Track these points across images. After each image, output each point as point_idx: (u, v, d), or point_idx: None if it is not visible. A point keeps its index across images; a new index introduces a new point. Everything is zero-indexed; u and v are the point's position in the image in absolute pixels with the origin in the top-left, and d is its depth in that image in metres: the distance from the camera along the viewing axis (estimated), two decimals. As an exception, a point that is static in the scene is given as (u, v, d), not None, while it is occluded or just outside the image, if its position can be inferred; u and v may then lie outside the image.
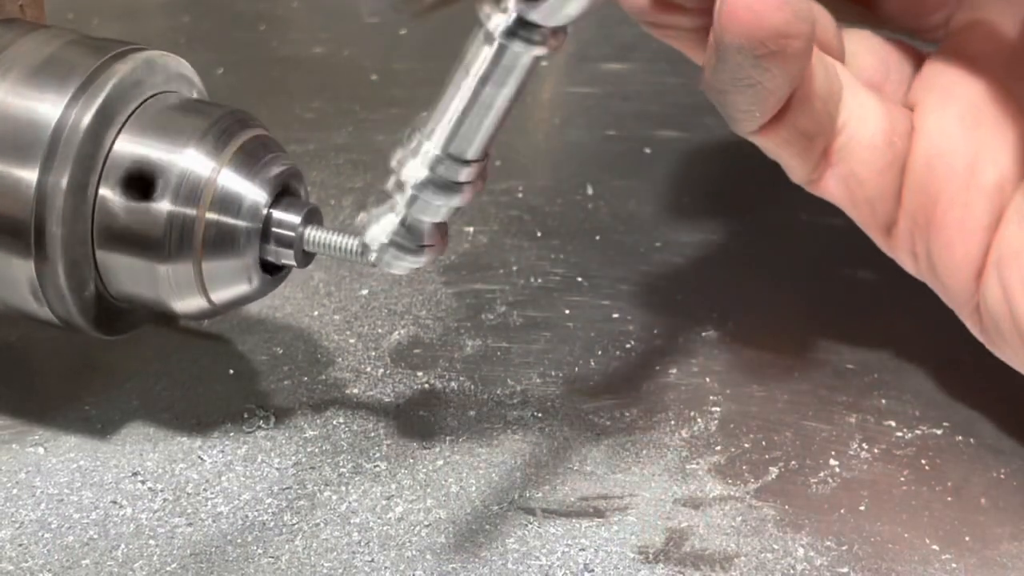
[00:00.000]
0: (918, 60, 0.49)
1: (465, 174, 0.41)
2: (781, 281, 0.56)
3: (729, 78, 0.44)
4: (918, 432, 0.49)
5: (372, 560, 0.43)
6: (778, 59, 0.43)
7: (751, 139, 0.47)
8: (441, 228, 0.43)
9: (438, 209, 0.42)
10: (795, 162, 0.47)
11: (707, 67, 0.45)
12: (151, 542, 0.44)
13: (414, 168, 0.41)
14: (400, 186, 0.41)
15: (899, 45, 0.50)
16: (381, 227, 0.42)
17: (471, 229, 0.59)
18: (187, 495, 0.45)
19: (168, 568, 0.43)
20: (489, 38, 0.39)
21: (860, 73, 0.48)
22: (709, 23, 0.44)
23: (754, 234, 0.59)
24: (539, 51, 0.39)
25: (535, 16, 0.38)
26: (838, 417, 0.50)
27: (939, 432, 0.49)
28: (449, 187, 0.41)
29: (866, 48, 0.49)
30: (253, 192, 0.44)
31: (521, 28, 0.38)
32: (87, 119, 0.43)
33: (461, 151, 0.41)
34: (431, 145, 0.41)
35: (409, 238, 0.42)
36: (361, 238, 0.43)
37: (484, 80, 0.40)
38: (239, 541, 0.44)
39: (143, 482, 0.46)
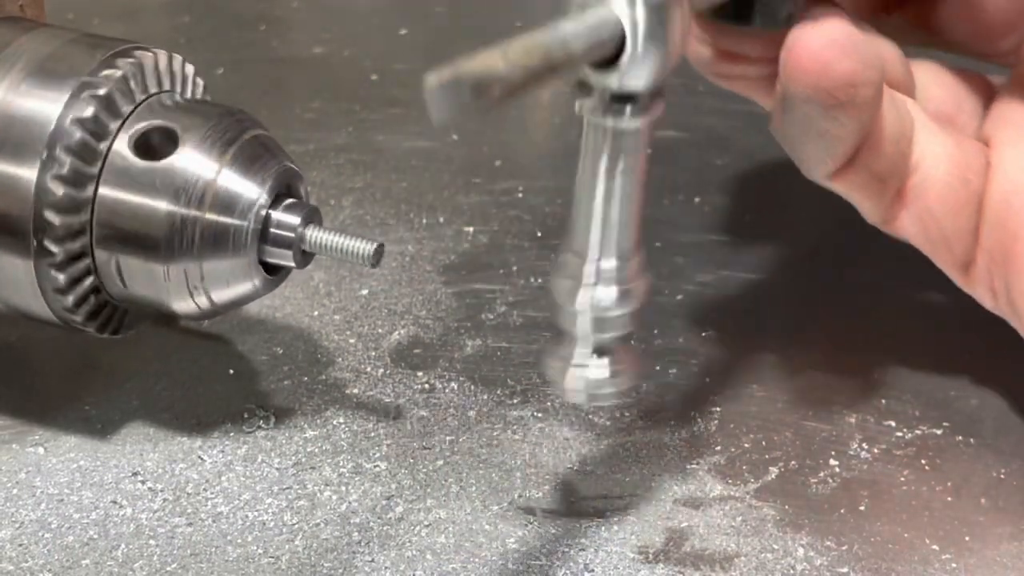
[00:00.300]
0: (990, 91, 0.48)
1: (632, 271, 0.40)
2: (781, 281, 0.56)
3: (798, 128, 0.43)
4: (918, 432, 0.49)
5: (372, 560, 0.43)
6: (847, 109, 0.42)
7: (823, 184, 0.46)
8: (628, 347, 0.41)
9: (621, 320, 0.40)
10: (869, 204, 0.46)
11: (775, 115, 0.44)
12: (151, 542, 0.44)
13: (584, 291, 0.39)
14: (572, 316, 0.40)
15: (969, 76, 0.49)
16: (576, 366, 0.40)
17: (471, 229, 0.59)
18: (187, 495, 0.45)
19: (168, 568, 0.43)
20: (594, 127, 0.38)
21: (931, 106, 0.47)
22: (775, 71, 0.43)
23: (754, 234, 0.59)
24: (641, 120, 0.38)
25: (619, 83, 0.37)
26: (838, 417, 0.50)
27: (939, 432, 0.49)
28: (623, 292, 0.39)
29: (935, 80, 0.48)
30: (253, 192, 0.44)
31: (617, 103, 0.38)
32: (87, 118, 0.43)
33: (619, 250, 0.39)
34: (590, 260, 0.39)
35: (604, 364, 0.40)
36: (563, 389, 0.41)
37: (610, 172, 0.38)
38: (239, 541, 0.44)
39: (143, 482, 0.46)
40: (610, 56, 0.37)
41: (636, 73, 0.37)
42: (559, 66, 0.35)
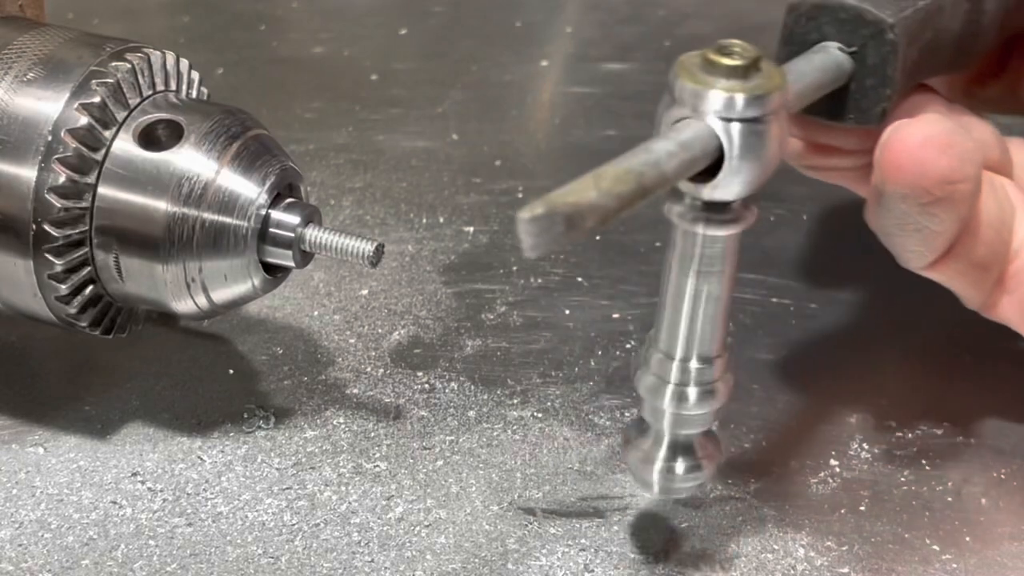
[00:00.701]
0: None
1: (716, 371, 0.40)
2: (780, 281, 0.56)
3: (894, 222, 0.42)
4: (918, 432, 0.49)
5: (372, 560, 0.43)
6: (945, 204, 0.41)
7: (919, 273, 0.45)
8: (710, 436, 0.42)
9: (703, 418, 0.41)
10: (969, 292, 0.45)
11: (869, 207, 0.43)
12: (151, 542, 0.44)
13: (668, 389, 0.40)
14: (656, 412, 0.41)
15: None
16: (657, 460, 0.41)
17: (471, 229, 0.59)
18: (187, 495, 0.45)
19: (168, 568, 0.43)
20: (686, 234, 0.38)
21: None
22: (870, 161, 0.42)
23: (753, 233, 0.59)
24: (735, 228, 0.38)
25: (712, 194, 0.37)
26: (838, 417, 0.50)
27: (939, 432, 0.49)
28: (706, 392, 0.40)
29: None
30: (253, 192, 0.44)
31: (708, 212, 0.38)
32: (86, 118, 0.43)
33: (705, 351, 0.40)
34: (676, 359, 0.40)
35: (685, 458, 0.41)
36: (642, 480, 0.42)
37: (700, 275, 0.39)
38: (239, 541, 0.44)
39: (143, 482, 0.46)
40: (704, 169, 0.36)
41: (731, 185, 0.37)
42: (653, 188, 0.35)
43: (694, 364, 0.40)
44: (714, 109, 0.36)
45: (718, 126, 0.36)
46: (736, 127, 0.36)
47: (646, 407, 0.41)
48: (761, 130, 0.36)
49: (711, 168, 0.37)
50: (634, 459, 0.42)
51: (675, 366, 0.40)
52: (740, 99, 0.36)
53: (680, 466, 0.41)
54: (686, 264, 0.39)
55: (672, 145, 0.36)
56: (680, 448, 0.41)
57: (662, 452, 0.41)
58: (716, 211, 0.38)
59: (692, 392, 0.40)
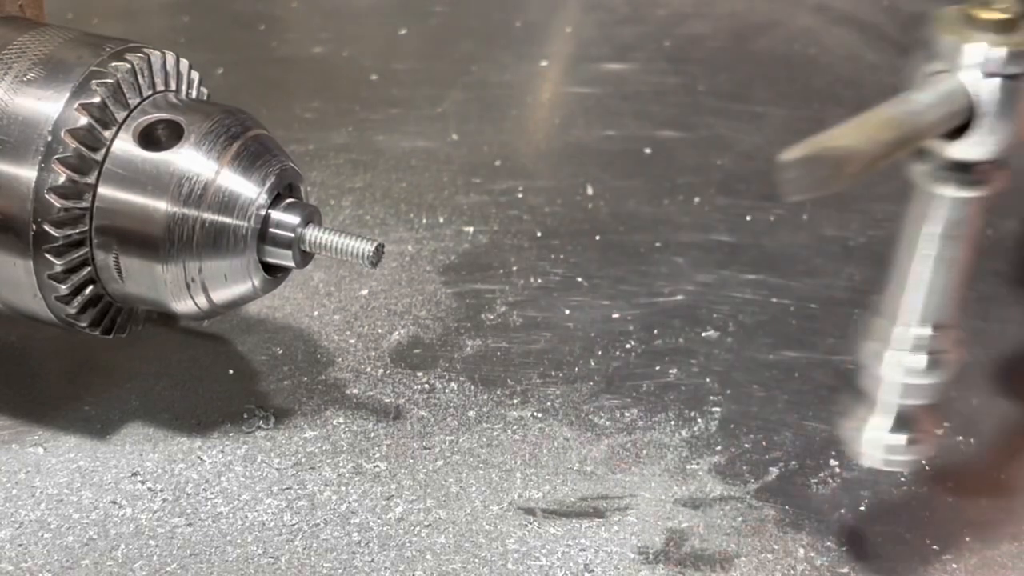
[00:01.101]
0: None
1: (946, 341, 0.39)
2: (781, 280, 0.56)
3: None
4: (918, 432, 0.49)
5: (372, 560, 0.43)
6: None
7: None
8: (930, 410, 0.41)
9: (927, 389, 0.40)
10: None
11: None
12: (151, 542, 0.44)
13: (895, 357, 0.39)
14: (878, 381, 0.40)
15: None
16: (875, 430, 0.40)
17: (471, 229, 0.59)
18: (187, 495, 0.45)
19: (168, 568, 0.43)
20: (928, 195, 0.37)
21: None
22: None
23: (754, 234, 0.59)
24: (982, 190, 0.37)
25: (962, 152, 0.36)
26: (838, 417, 0.50)
27: (939, 432, 0.49)
28: (933, 361, 0.39)
29: None
30: (252, 192, 0.44)
31: (955, 172, 0.37)
32: (86, 118, 0.43)
33: (937, 318, 0.39)
34: (905, 326, 0.39)
35: (904, 430, 0.40)
36: (856, 450, 0.41)
37: (942, 238, 0.38)
38: (239, 541, 0.44)
39: (143, 482, 0.46)
40: (957, 126, 0.36)
41: (983, 144, 0.36)
42: (913, 138, 0.34)
43: (923, 331, 0.39)
44: (973, 63, 0.36)
45: (975, 80, 0.36)
46: (994, 83, 0.36)
47: (867, 376, 0.40)
48: (1021, 87, 0.36)
49: (961, 128, 0.36)
50: (850, 428, 0.41)
51: (902, 332, 0.39)
52: (1001, 53, 0.35)
53: (898, 438, 0.40)
54: (925, 226, 0.38)
55: (930, 96, 0.35)
56: (900, 419, 0.40)
57: (880, 422, 0.40)
58: (963, 172, 0.37)
59: (918, 360, 0.39)
